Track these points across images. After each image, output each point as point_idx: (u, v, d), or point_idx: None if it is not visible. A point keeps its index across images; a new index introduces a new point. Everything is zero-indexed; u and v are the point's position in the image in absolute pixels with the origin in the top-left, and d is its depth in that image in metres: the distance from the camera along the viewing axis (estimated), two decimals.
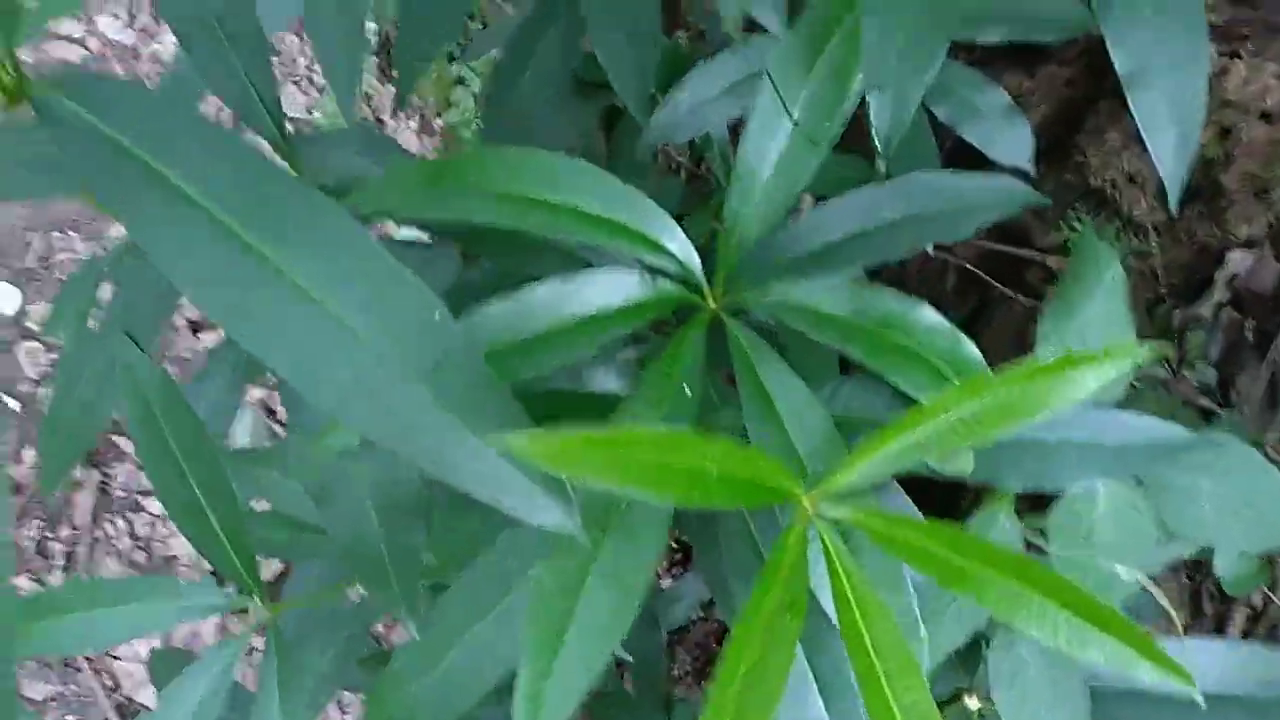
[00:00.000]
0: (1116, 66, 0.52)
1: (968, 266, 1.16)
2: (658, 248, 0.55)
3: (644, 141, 0.71)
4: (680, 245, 0.55)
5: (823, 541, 0.39)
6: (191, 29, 0.56)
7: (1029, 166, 0.85)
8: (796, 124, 0.55)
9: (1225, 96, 0.84)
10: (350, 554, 0.50)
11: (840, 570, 0.39)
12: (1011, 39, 0.83)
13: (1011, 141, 0.83)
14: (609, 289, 0.51)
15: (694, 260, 0.53)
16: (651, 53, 0.69)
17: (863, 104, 0.53)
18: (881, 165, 0.57)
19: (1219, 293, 1.02)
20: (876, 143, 0.51)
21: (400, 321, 0.35)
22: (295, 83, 2.49)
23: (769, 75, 0.55)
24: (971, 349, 0.51)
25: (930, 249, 1.22)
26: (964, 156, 0.84)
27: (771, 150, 0.55)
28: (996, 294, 1.13)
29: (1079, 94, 1.02)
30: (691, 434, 0.36)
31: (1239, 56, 0.86)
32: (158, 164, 0.34)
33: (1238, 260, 1.04)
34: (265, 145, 0.60)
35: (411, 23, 0.64)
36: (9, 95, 0.39)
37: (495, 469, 0.34)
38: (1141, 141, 0.53)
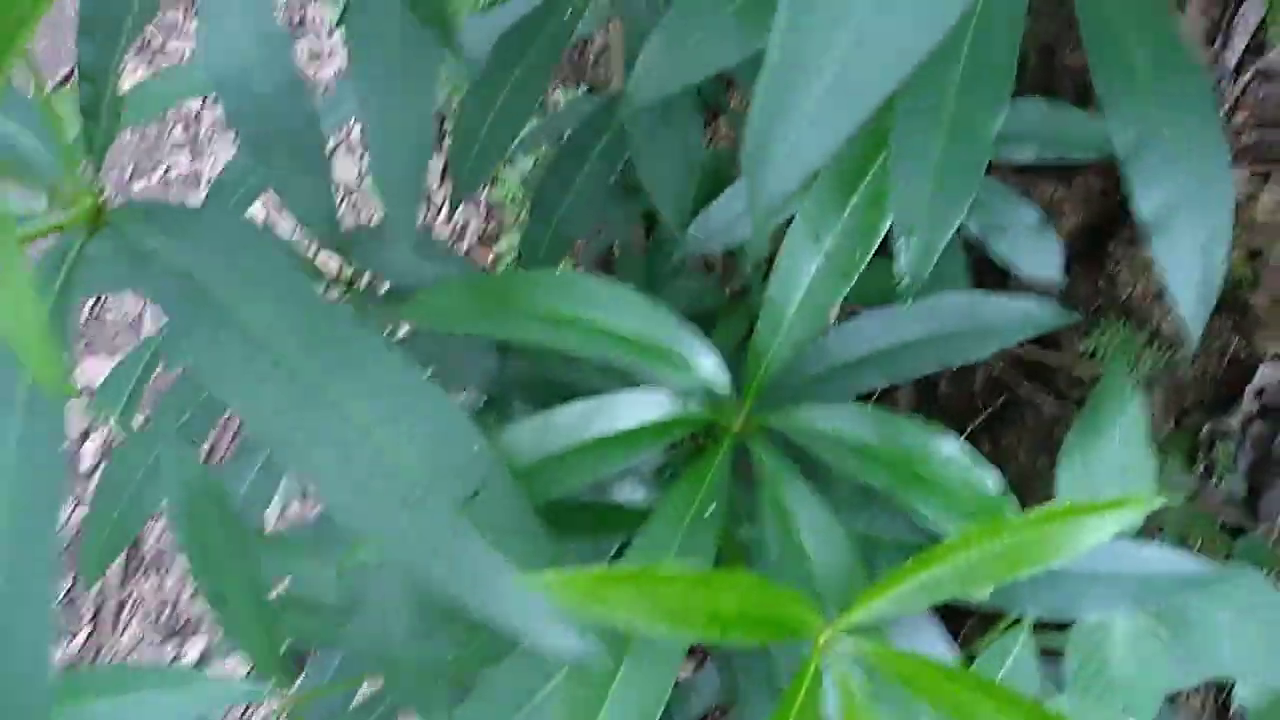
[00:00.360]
0: (1138, 212, 0.54)
1: (994, 371, 1.17)
2: (688, 368, 0.56)
3: (680, 252, 0.74)
4: (711, 367, 0.56)
5: (835, 678, 0.40)
6: (256, 138, 0.59)
7: (1059, 280, 0.86)
8: (828, 256, 0.57)
9: (1254, 219, 0.86)
10: (376, 653, 0.51)
11: (853, 707, 0.40)
12: (1042, 157, 0.86)
13: (1040, 256, 0.84)
14: (638, 409, 0.52)
15: (723, 380, 0.55)
16: (692, 172, 0.71)
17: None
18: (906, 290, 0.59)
19: (1247, 405, 1.02)
20: (900, 277, 0.53)
21: (443, 453, 0.37)
22: (346, 148, 2.56)
23: (802, 209, 0.57)
24: (992, 480, 0.52)
25: None
26: (992, 265, 0.86)
27: (802, 280, 0.57)
28: (1024, 392, 1.14)
29: (1113, 203, 1.04)
30: (712, 573, 0.37)
31: (1269, 180, 0.87)
32: (228, 299, 0.36)
33: (1267, 374, 1.04)
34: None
35: (468, 135, 0.67)
36: (91, 220, 0.42)
37: (521, 601, 0.36)
38: None
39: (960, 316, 0.68)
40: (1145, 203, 0.54)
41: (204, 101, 2.45)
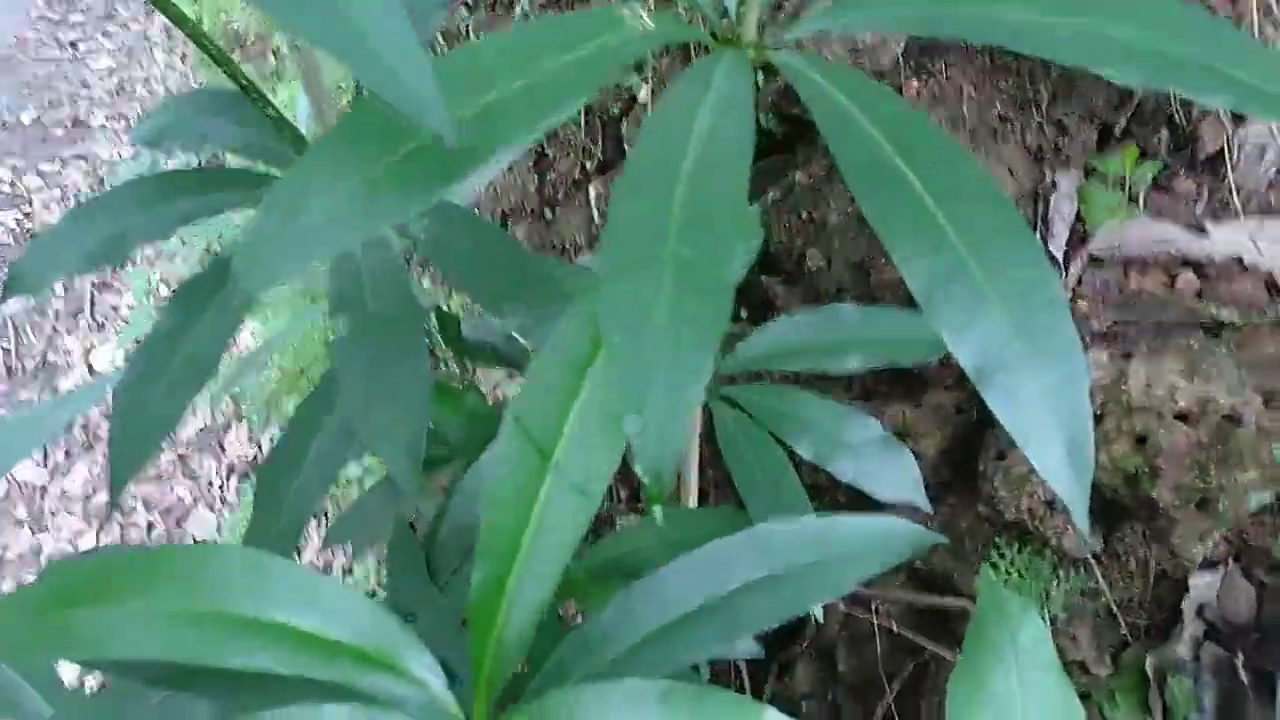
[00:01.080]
0: (961, 363, 0.39)
1: (895, 629, 0.98)
2: (396, 671, 0.38)
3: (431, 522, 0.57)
4: (428, 667, 0.39)
5: None
6: None
7: (921, 501, 0.71)
8: (557, 467, 0.41)
9: (1130, 402, 0.74)
10: None
11: None
12: (871, 366, 0.74)
13: (893, 475, 0.70)
14: None
15: (443, 689, 0.36)
16: (422, 415, 0.56)
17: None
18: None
19: (1191, 627, 0.85)
20: (644, 481, 0.36)
21: None
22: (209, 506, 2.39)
23: (514, 420, 0.41)
24: None
25: (844, 607, 1.05)
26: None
27: (523, 508, 0.40)
28: (931, 652, 0.95)
29: (972, 419, 0.92)
30: None
31: (1132, 359, 0.76)
32: None
33: (1203, 586, 0.88)
34: None
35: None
36: None
37: None
38: None
39: (807, 546, 0.54)
40: (964, 354, 0.40)
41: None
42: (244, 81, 0.58)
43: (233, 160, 0.76)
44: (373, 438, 0.56)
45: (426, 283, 2.15)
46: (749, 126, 0.45)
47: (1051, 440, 0.39)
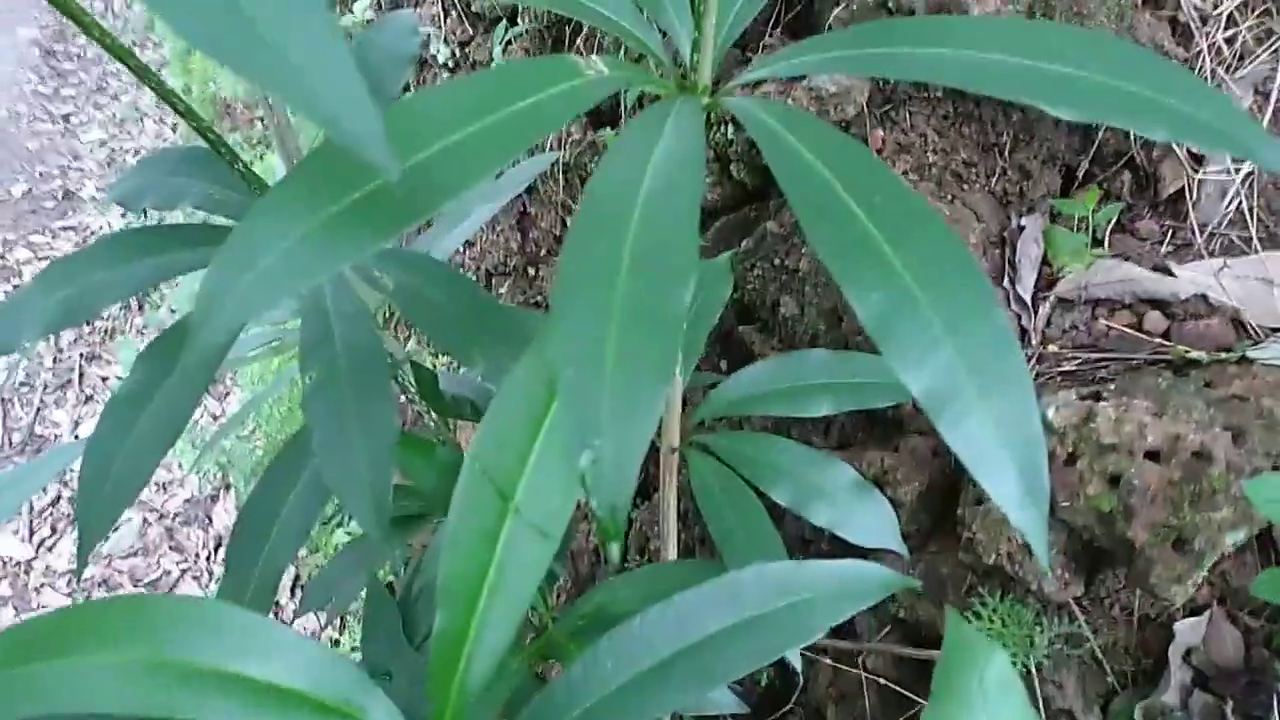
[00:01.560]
0: (914, 395, 0.40)
1: (883, 682, 0.96)
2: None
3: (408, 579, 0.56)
4: (388, 715, 0.38)
5: None
6: None
7: (898, 546, 0.71)
8: (517, 510, 0.40)
9: (1099, 441, 0.74)
10: None
11: None
12: (842, 409, 0.74)
13: (870, 521, 0.69)
14: None
15: None
16: (387, 471, 0.56)
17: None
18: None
19: (1178, 674, 0.84)
20: (598, 518, 0.36)
21: None
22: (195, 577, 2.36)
23: (473, 461, 0.41)
24: None
25: (831, 662, 1.03)
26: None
27: (483, 553, 0.40)
28: (920, 706, 0.93)
29: (950, 463, 0.91)
30: None
31: (1101, 399, 0.77)
32: None
33: (1188, 631, 0.86)
34: None
35: None
36: None
37: None
38: None
39: (777, 592, 0.53)
40: (917, 386, 0.40)
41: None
42: (211, 136, 0.58)
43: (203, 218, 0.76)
44: (338, 483, 0.55)
45: (412, 344, 2.16)
46: (699, 172, 0.46)
47: (1005, 468, 0.39)
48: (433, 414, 0.89)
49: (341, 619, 2.01)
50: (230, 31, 0.30)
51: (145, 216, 2.45)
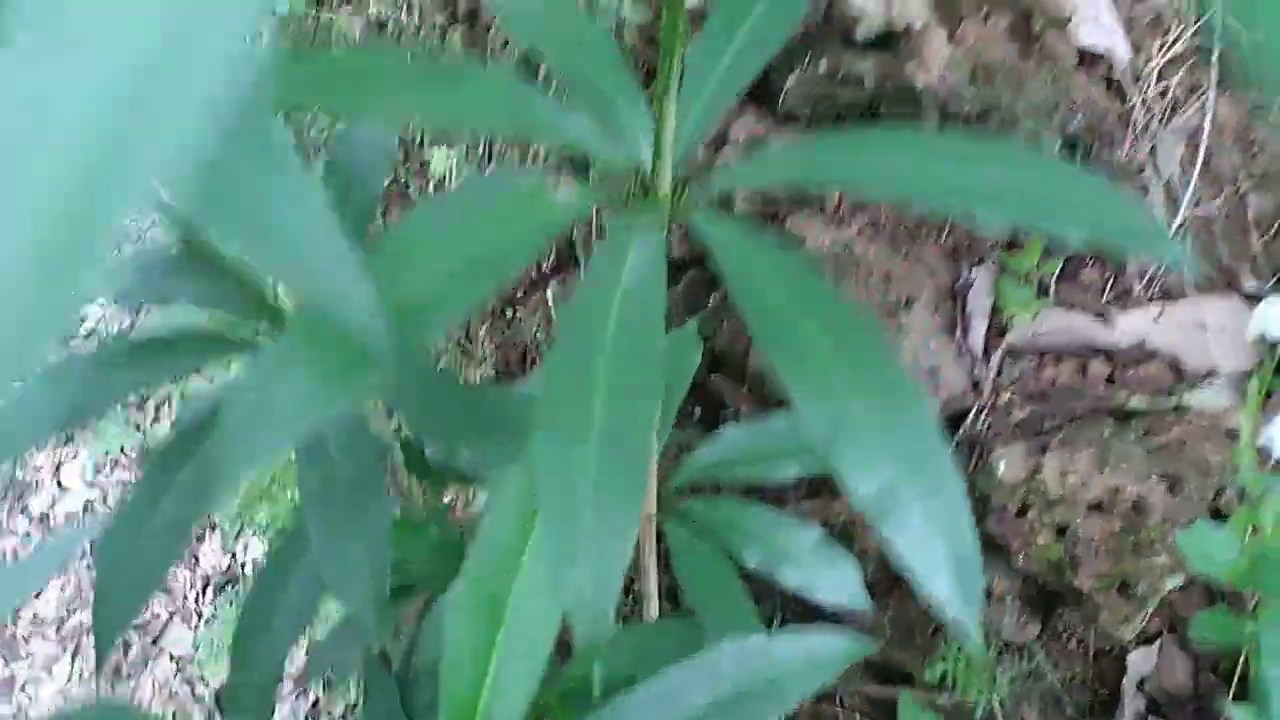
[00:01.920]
0: (861, 502, 0.44)
1: (858, 716, 1.01)
2: None
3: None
4: None
5: None
6: None
7: (863, 604, 0.75)
8: (508, 628, 0.45)
9: (1046, 493, 0.79)
10: None
11: None
12: (809, 473, 0.78)
13: (835, 581, 0.74)
14: None
15: None
16: (383, 564, 0.60)
17: None
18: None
19: (1131, 703, 0.89)
20: (578, 646, 0.40)
21: None
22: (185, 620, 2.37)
23: (467, 580, 0.45)
24: None
25: (809, 705, 1.08)
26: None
27: (478, 671, 0.44)
28: None
29: None
30: None
31: (1047, 450, 0.82)
32: None
33: (1139, 661, 0.92)
34: None
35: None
36: None
37: None
38: None
39: (750, 668, 0.56)
40: (863, 494, 0.45)
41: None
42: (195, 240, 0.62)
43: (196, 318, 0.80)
44: (336, 584, 0.59)
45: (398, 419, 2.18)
46: (660, 288, 0.50)
47: (939, 560, 0.43)
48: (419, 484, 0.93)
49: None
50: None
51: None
